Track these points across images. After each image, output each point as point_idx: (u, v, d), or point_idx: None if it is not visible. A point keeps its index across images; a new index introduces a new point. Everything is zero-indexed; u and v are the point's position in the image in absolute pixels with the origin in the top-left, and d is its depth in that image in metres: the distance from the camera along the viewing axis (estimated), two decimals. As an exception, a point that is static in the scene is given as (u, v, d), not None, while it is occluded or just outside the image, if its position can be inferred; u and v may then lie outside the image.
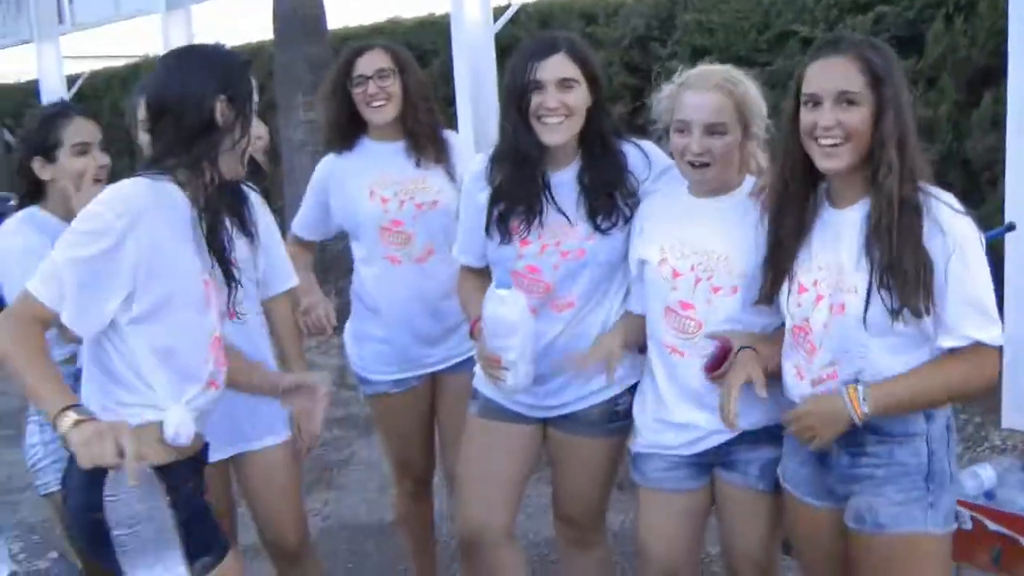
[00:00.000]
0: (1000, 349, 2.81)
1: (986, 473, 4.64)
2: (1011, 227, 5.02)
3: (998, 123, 6.33)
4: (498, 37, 9.97)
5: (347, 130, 4.18)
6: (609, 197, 3.43)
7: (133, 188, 2.79)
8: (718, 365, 3.13)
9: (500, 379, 3.41)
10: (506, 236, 3.48)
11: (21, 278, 2.84)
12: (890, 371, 2.81)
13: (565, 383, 3.56)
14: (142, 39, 16.84)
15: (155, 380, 2.80)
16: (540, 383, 3.54)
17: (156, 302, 2.76)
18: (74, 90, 16.51)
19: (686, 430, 3.32)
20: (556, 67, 3.32)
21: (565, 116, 3.33)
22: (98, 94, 16.11)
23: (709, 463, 3.37)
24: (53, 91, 16.09)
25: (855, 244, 2.80)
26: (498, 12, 10.16)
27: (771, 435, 3.25)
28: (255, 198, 3.62)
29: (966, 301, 2.70)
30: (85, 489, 2.69)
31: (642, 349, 3.46)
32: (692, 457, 3.36)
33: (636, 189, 3.46)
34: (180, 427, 2.79)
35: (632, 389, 3.60)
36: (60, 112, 3.65)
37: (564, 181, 3.46)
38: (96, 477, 2.54)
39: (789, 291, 2.96)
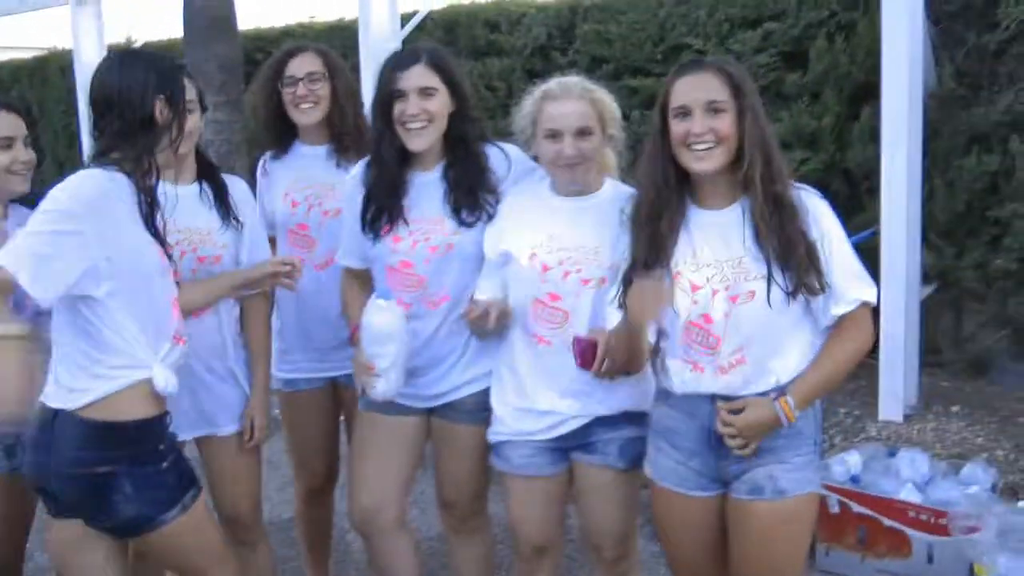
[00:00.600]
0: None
1: (852, 459, 4.97)
2: (875, 232, 5.45)
3: (876, 136, 6.58)
4: (405, 43, 9.67)
5: (276, 130, 4.23)
6: (471, 194, 3.64)
7: (91, 180, 3.06)
8: (590, 359, 3.29)
9: (372, 386, 3.60)
10: (377, 234, 3.68)
11: None
12: (789, 347, 3.08)
13: (443, 374, 3.75)
14: (50, 31, 16.53)
15: (137, 342, 3.07)
16: (421, 375, 3.73)
17: (127, 274, 3.03)
18: (-21, 82, 16.11)
19: (547, 416, 3.51)
20: (416, 76, 3.55)
21: (427, 122, 3.56)
22: (4, 86, 15.53)
23: (568, 447, 3.56)
24: None
25: (747, 239, 3.04)
26: (405, 18, 9.98)
27: (628, 417, 3.47)
28: (242, 190, 3.85)
29: (847, 271, 3.04)
30: (83, 446, 3.05)
31: None
32: (552, 442, 3.55)
33: (496, 186, 3.67)
34: (168, 379, 3.11)
35: None
36: None
37: (429, 181, 3.68)
38: (99, 431, 2.98)
39: (680, 290, 3.12)
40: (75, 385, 3.08)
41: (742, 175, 3.02)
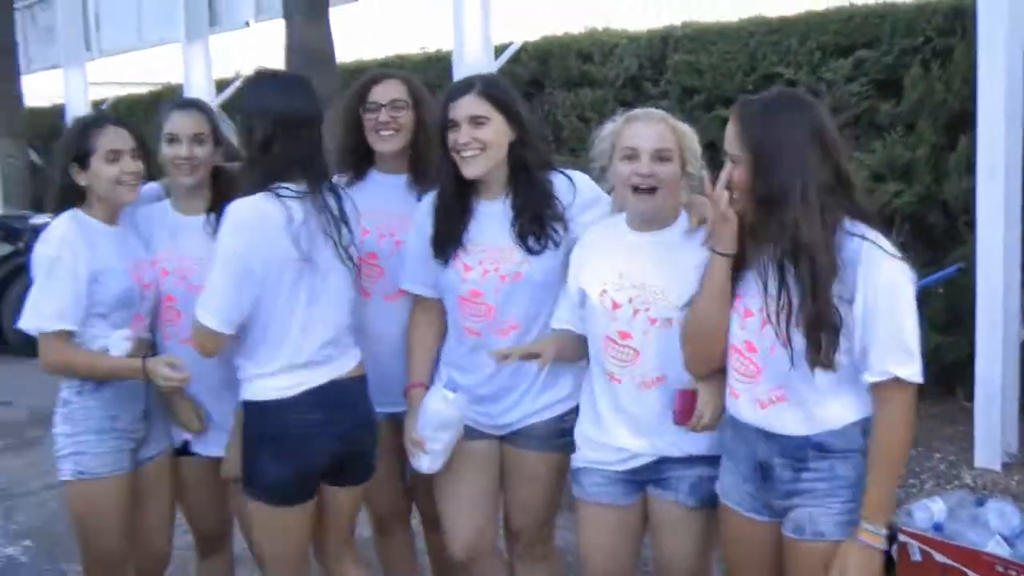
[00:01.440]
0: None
1: (936, 507, 4.77)
2: (961, 269, 5.24)
3: (973, 167, 6.41)
4: (499, 73, 9.89)
5: (355, 156, 4.16)
6: (536, 221, 3.64)
7: (251, 211, 3.49)
8: (688, 414, 3.28)
9: (418, 459, 3.71)
10: (446, 261, 3.71)
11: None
12: (833, 397, 2.98)
13: (514, 403, 3.76)
14: (163, 68, 17.03)
15: None
16: (492, 403, 3.77)
17: None
18: (98, 115, 16.77)
19: (621, 451, 3.47)
20: (467, 106, 3.58)
21: (479, 150, 3.57)
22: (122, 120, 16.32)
23: (642, 480, 3.50)
24: (79, 115, 16.30)
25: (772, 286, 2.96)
26: (499, 49, 10.27)
27: (703, 456, 3.39)
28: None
29: (889, 338, 2.89)
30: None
31: None
32: (626, 474, 3.49)
33: (562, 213, 3.66)
34: None
35: (578, 408, 3.73)
36: (93, 121, 3.86)
37: (495, 210, 3.69)
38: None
39: (735, 312, 3.11)
40: None
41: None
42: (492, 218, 3.72)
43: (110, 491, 3.74)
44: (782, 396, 3.03)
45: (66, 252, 3.64)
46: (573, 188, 3.72)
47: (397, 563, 4.54)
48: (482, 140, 3.58)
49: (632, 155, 3.33)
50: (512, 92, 3.79)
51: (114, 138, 3.73)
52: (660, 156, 3.30)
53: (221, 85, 13.83)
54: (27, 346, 4.04)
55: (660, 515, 3.54)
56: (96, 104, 16.92)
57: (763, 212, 2.95)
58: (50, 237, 3.70)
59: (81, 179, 3.74)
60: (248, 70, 13.12)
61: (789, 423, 3.04)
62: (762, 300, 3.00)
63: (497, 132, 3.62)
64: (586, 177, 3.76)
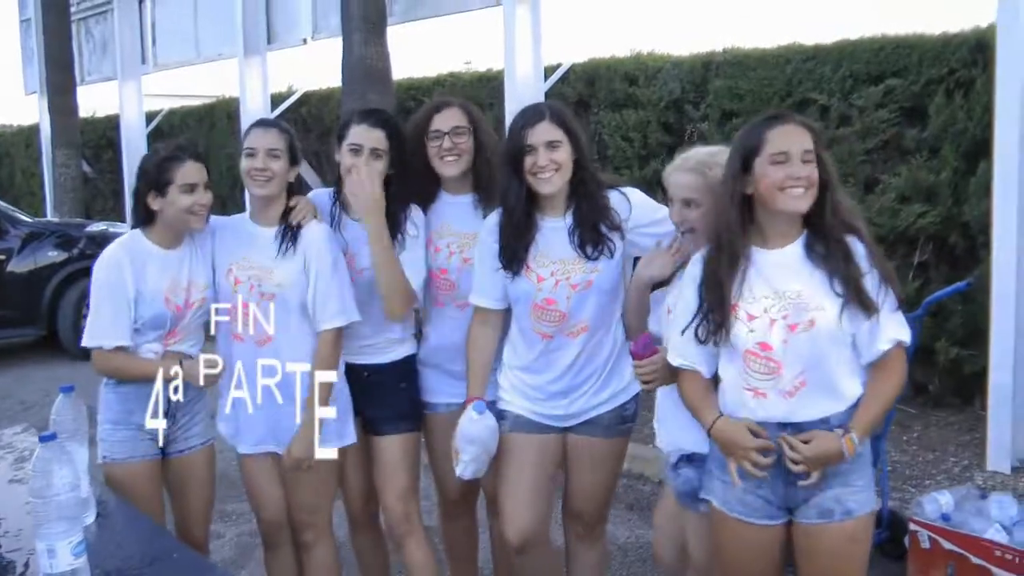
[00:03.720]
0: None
1: (944, 499, 5.13)
2: (969, 284, 5.61)
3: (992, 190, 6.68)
4: (548, 95, 10.21)
5: (423, 181, 4.29)
6: (594, 230, 3.93)
7: None
8: (645, 354, 3.61)
9: (456, 464, 4.05)
10: (516, 273, 3.99)
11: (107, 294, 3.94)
12: (845, 372, 3.29)
13: (581, 396, 4.06)
14: (219, 81, 17.07)
15: None
16: (560, 398, 4.06)
17: None
18: (152, 126, 16.90)
19: None
20: (543, 132, 3.86)
21: (555, 171, 3.86)
22: (174, 131, 16.31)
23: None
24: (133, 127, 16.57)
25: (808, 271, 3.28)
26: (549, 71, 10.44)
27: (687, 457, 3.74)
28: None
29: (890, 312, 3.28)
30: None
31: None
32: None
33: (619, 223, 3.95)
34: None
35: (636, 396, 4.11)
36: (175, 155, 4.07)
37: (560, 226, 3.98)
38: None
39: (738, 321, 3.31)
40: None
41: (811, 214, 3.31)
42: (558, 233, 3.97)
43: (128, 474, 4.00)
44: (804, 381, 3.25)
45: (115, 275, 3.99)
46: (628, 203, 4.00)
47: (459, 547, 4.80)
48: (557, 162, 3.86)
49: (671, 200, 3.69)
50: (573, 117, 4.03)
51: (191, 171, 4.02)
52: (688, 203, 3.62)
53: (277, 100, 14.01)
54: (80, 349, 4.36)
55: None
56: (150, 116, 17.10)
57: (827, 199, 3.29)
58: (103, 260, 4.05)
59: (155, 204, 4.03)
60: (304, 86, 13.43)
61: (814, 407, 3.27)
62: (767, 300, 3.28)
63: (567, 153, 3.88)
64: (638, 192, 4.06)
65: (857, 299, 3.21)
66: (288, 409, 3.64)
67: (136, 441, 4.04)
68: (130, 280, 4.00)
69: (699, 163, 3.67)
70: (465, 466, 4.04)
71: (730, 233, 3.35)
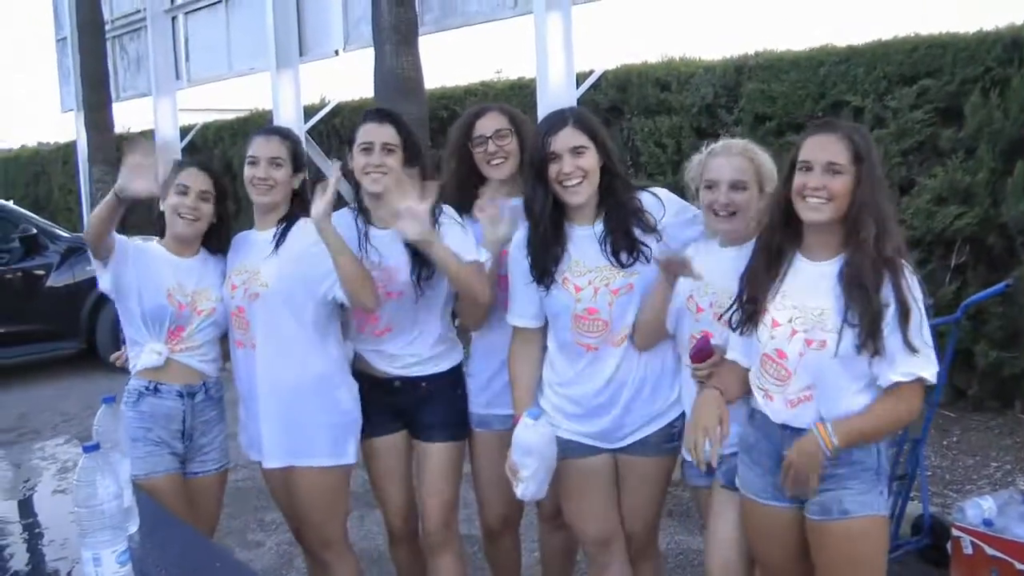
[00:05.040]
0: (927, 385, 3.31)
1: (987, 504, 5.08)
2: (1008, 286, 5.56)
3: None
4: (580, 101, 10.17)
5: (471, 188, 4.25)
6: (627, 236, 3.81)
7: None
8: (704, 357, 3.62)
9: (515, 485, 3.86)
10: (549, 287, 3.88)
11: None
12: (854, 396, 3.29)
13: (626, 410, 3.92)
14: (252, 94, 17.07)
15: None
16: (605, 412, 3.92)
17: None
18: (187, 141, 16.99)
19: None
20: (567, 138, 3.74)
21: (582, 178, 3.74)
22: (208, 145, 16.53)
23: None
24: (168, 141, 16.43)
25: (836, 293, 3.26)
26: (581, 77, 10.38)
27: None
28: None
29: (915, 343, 3.21)
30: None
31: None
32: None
33: (655, 225, 3.84)
34: None
35: (684, 414, 3.92)
36: (184, 161, 4.32)
37: (590, 234, 3.86)
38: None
39: (763, 323, 3.39)
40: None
41: (849, 234, 3.28)
42: (590, 241, 3.85)
43: (151, 490, 3.91)
44: (810, 395, 3.31)
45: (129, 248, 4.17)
46: (661, 204, 3.89)
47: (503, 566, 4.73)
48: (584, 168, 3.73)
49: (712, 185, 3.65)
50: (599, 122, 3.93)
51: (189, 176, 4.14)
52: (735, 185, 3.61)
53: (310, 111, 14.05)
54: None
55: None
56: (184, 131, 17.19)
57: (857, 223, 3.24)
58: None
59: (163, 206, 4.18)
60: (336, 97, 13.44)
61: (814, 417, 3.31)
62: (794, 310, 3.31)
63: (594, 159, 3.77)
64: (667, 191, 3.96)
65: (869, 336, 3.20)
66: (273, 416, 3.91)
67: (157, 456, 4.09)
68: (134, 276, 4.15)
69: (745, 148, 3.71)
70: (526, 485, 3.86)
71: (772, 233, 3.39)
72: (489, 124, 4.23)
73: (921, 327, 3.23)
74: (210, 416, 4.23)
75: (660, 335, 3.84)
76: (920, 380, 3.26)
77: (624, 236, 3.83)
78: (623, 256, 3.83)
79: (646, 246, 3.83)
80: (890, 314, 3.19)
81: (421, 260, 4.04)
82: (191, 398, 4.16)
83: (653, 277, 3.80)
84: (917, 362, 3.22)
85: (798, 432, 3.33)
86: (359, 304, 4.03)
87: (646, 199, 3.92)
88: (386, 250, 4.13)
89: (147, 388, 4.12)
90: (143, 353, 4.13)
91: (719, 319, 3.63)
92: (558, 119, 3.84)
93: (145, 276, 4.13)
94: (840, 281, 3.27)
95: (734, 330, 3.49)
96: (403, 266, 4.09)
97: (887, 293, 3.20)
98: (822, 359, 3.27)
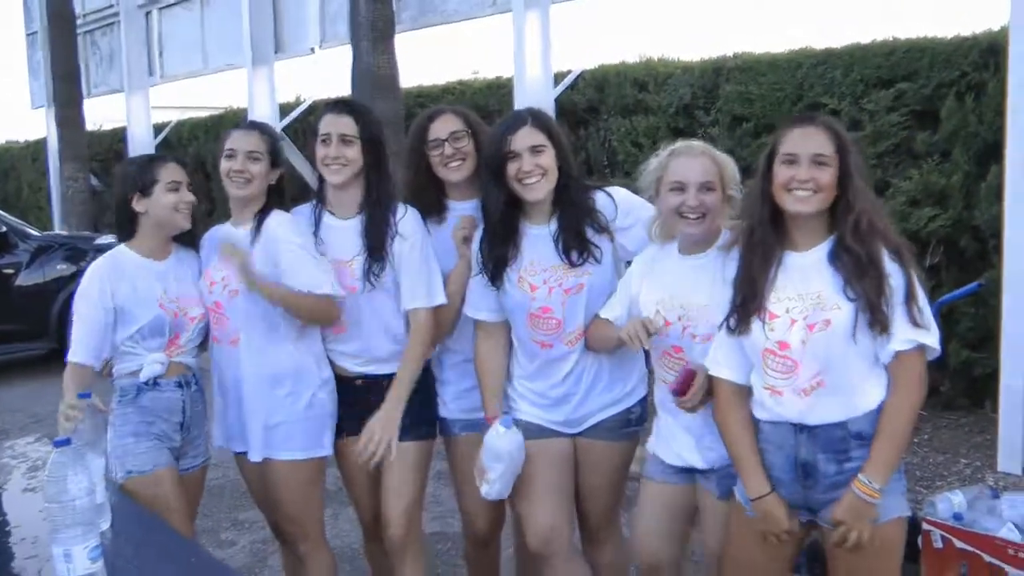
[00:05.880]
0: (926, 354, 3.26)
1: (957, 499, 5.09)
2: (980, 285, 5.59)
3: (1003, 194, 6.66)
4: (558, 100, 10.34)
5: (430, 193, 4.25)
6: (579, 236, 3.87)
7: None
8: (685, 390, 3.57)
9: (482, 485, 3.96)
10: (501, 285, 3.96)
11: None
12: (865, 375, 3.24)
13: (584, 401, 4.01)
14: (226, 92, 17.12)
15: None
16: (565, 403, 4.01)
17: None
18: (160, 138, 16.90)
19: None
20: (526, 136, 3.81)
21: (542, 175, 3.81)
22: (183, 143, 16.42)
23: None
24: (141, 139, 16.52)
25: (829, 273, 3.24)
26: (559, 77, 10.47)
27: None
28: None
29: (913, 313, 3.20)
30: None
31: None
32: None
33: (607, 225, 3.90)
34: None
35: (643, 400, 4.09)
36: (158, 157, 4.22)
37: (544, 233, 3.93)
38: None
39: (760, 320, 3.32)
40: None
41: (838, 219, 3.27)
42: (544, 240, 3.92)
43: (158, 482, 3.97)
44: (821, 381, 3.23)
45: (94, 289, 4.04)
46: (613, 203, 3.94)
47: (483, 571, 4.73)
48: (543, 166, 3.80)
49: (680, 187, 3.60)
50: (555, 122, 4.01)
51: (175, 171, 4.11)
52: (705, 186, 3.59)
53: (285, 110, 14.04)
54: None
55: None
56: (158, 128, 17.11)
57: (846, 210, 3.24)
58: (86, 275, 4.11)
59: (140, 206, 4.09)
60: (312, 95, 13.43)
61: (830, 409, 3.25)
62: (789, 301, 3.27)
63: (552, 158, 3.83)
64: (623, 190, 4.01)
65: (868, 308, 3.18)
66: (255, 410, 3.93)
67: (159, 450, 4.06)
68: (109, 294, 4.04)
69: (706, 148, 3.70)
70: (491, 486, 3.95)
71: (761, 229, 3.35)
72: (444, 127, 4.20)
73: (919, 296, 3.22)
74: (200, 408, 4.22)
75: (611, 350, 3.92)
76: (922, 350, 3.23)
77: (575, 236, 3.88)
78: (574, 255, 3.88)
79: (597, 247, 3.89)
80: (888, 285, 3.18)
81: (373, 255, 4.06)
82: (188, 388, 4.15)
83: (604, 279, 3.91)
84: (919, 331, 3.20)
85: (814, 434, 3.28)
86: (327, 324, 4.13)
87: (599, 199, 3.96)
88: (338, 242, 4.14)
89: (146, 383, 4.07)
90: (146, 365, 4.06)
91: (685, 332, 3.66)
92: (517, 119, 3.91)
93: (133, 299, 4.05)
94: (833, 261, 3.26)
95: (733, 332, 3.42)
96: (355, 258, 4.12)
97: (885, 265, 3.20)
98: (828, 340, 3.22)
